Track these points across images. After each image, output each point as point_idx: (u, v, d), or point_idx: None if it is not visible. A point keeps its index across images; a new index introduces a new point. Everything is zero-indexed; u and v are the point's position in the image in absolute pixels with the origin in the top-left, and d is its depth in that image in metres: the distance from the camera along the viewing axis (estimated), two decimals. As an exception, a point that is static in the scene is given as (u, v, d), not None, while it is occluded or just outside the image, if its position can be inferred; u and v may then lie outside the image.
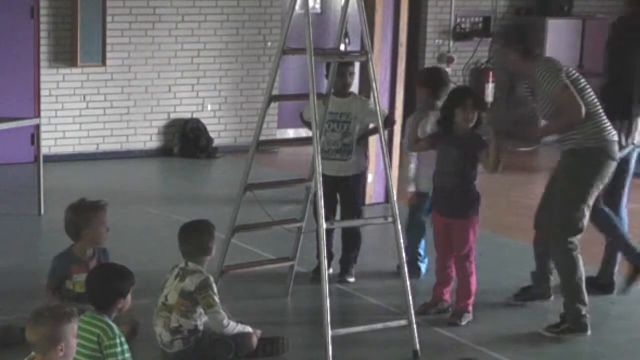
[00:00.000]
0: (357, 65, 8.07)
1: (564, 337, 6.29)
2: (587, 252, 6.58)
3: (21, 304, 6.10)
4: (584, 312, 6.31)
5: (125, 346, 4.67)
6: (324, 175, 6.09)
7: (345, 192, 7.30)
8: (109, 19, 11.44)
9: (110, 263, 5.09)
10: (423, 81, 7.30)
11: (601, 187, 6.37)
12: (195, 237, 5.85)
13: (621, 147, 6.69)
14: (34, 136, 9.95)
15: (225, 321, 5.76)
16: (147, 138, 11.93)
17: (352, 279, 7.34)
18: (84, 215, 6.06)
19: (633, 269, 6.95)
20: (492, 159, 6.30)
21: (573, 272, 6.29)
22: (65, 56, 11.37)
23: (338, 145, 7.21)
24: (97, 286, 4.91)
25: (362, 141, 7.42)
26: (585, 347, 6.23)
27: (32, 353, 4.17)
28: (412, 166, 7.33)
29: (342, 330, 5.88)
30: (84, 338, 4.63)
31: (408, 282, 6.01)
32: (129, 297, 4.97)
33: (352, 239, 7.35)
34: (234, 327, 5.79)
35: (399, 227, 6.01)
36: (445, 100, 6.63)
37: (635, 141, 7.04)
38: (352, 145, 7.22)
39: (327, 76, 6.88)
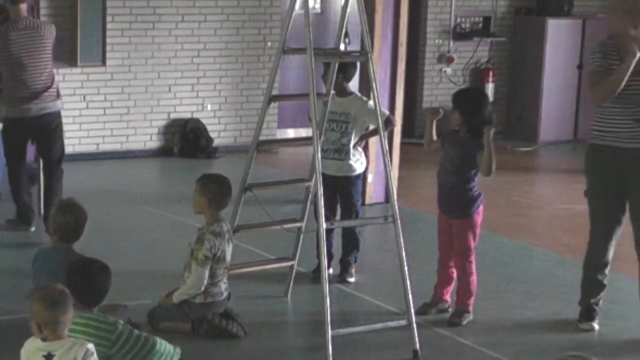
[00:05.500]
0: (357, 65, 8.05)
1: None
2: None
3: (21, 304, 6.08)
4: None
5: (126, 328, 4.79)
6: (323, 175, 6.09)
7: (344, 192, 7.30)
8: (109, 19, 11.42)
9: (92, 259, 5.02)
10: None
11: None
12: None
13: None
14: (34, 136, 9.91)
15: None
16: (147, 138, 11.92)
17: (352, 279, 7.33)
18: (85, 214, 5.99)
19: None
20: (486, 160, 6.30)
21: None
22: (65, 56, 11.35)
23: (337, 144, 7.21)
24: (98, 283, 4.89)
25: (362, 141, 7.43)
26: (586, 347, 6.23)
27: (39, 335, 4.20)
28: None
29: (342, 331, 5.88)
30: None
31: (408, 282, 6.02)
32: None
33: (350, 239, 7.35)
34: None
35: (399, 227, 6.01)
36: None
37: None
38: (349, 145, 7.21)
39: (323, 77, 6.87)
